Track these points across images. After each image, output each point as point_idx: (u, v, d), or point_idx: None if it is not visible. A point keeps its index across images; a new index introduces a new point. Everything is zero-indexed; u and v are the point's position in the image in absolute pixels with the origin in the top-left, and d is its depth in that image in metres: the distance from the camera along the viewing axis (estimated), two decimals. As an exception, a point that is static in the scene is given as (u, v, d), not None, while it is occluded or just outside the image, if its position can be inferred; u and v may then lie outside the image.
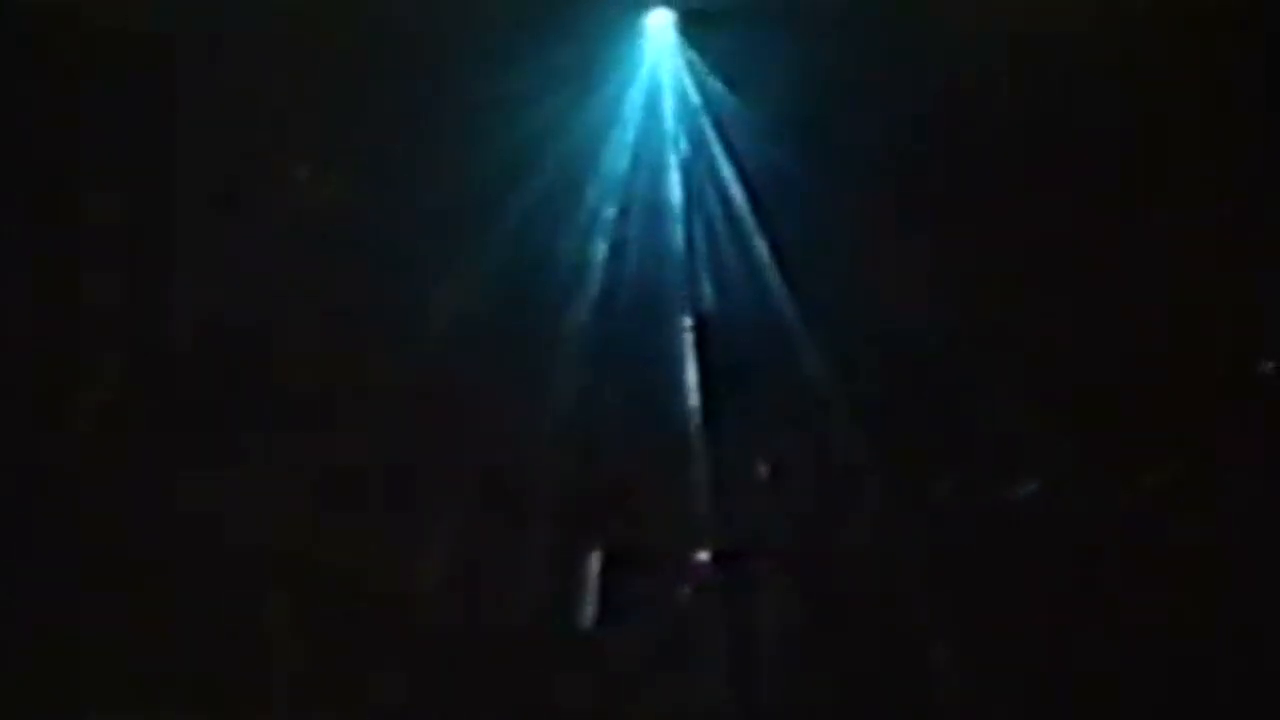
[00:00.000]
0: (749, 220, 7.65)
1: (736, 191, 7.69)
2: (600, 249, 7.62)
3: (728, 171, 7.70)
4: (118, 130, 7.62)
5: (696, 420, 7.46)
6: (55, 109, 7.67)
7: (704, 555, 7.29)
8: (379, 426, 7.42)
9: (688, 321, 7.56)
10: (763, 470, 7.38)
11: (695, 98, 7.77)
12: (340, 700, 7.08)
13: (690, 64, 7.78)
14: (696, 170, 7.74)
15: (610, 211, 7.66)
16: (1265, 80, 7.59)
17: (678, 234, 7.67)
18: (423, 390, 7.46)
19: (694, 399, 7.48)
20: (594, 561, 7.22)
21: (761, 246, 7.62)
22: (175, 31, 7.68)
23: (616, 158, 7.70)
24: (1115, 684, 7.05)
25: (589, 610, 7.22)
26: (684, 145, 7.73)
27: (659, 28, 7.79)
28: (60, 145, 7.64)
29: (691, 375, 7.51)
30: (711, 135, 7.74)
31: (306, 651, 7.12)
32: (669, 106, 7.79)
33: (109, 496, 7.27)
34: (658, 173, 7.74)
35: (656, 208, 7.72)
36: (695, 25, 7.77)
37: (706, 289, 7.60)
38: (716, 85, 7.75)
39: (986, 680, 7.05)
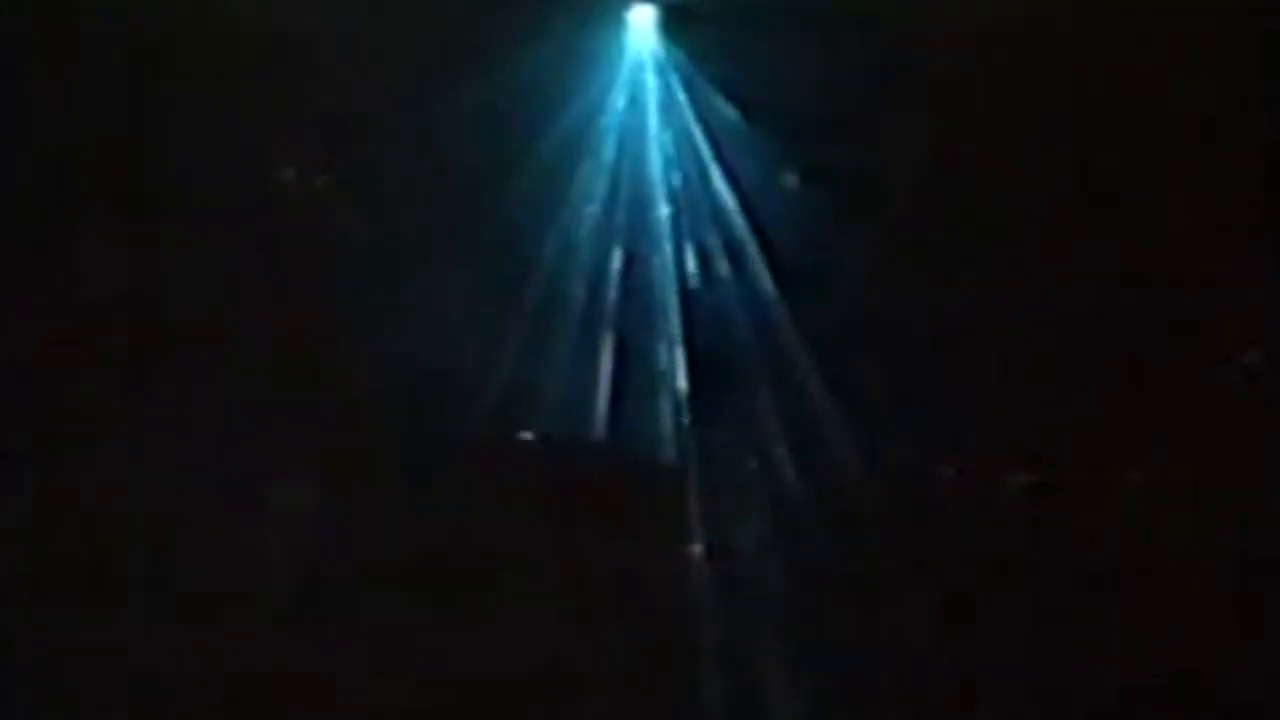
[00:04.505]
0: (738, 216, 7.74)
1: (720, 182, 7.78)
2: (585, 241, 7.74)
3: (714, 169, 7.79)
4: (109, 134, 7.68)
5: (687, 415, 7.57)
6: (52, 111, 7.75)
7: (697, 547, 7.40)
8: (360, 418, 7.55)
9: (677, 313, 7.68)
10: (752, 463, 7.48)
11: (678, 91, 7.84)
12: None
13: (672, 57, 7.84)
14: (680, 163, 7.83)
15: (596, 205, 7.76)
16: (1260, 77, 7.65)
17: (663, 225, 7.79)
18: (406, 389, 7.56)
19: (684, 393, 7.59)
20: None
21: (748, 237, 7.69)
22: (167, 36, 7.72)
23: (601, 151, 7.78)
24: (1111, 678, 7.17)
25: None
26: (674, 158, 7.82)
27: (641, 23, 7.85)
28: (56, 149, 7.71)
29: (681, 371, 7.61)
30: (695, 128, 7.81)
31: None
32: (652, 99, 7.86)
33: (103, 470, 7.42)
34: (642, 168, 7.82)
35: (641, 200, 7.82)
36: (677, 20, 7.84)
37: (695, 280, 7.72)
38: (699, 79, 7.81)
39: (975, 670, 7.17)
